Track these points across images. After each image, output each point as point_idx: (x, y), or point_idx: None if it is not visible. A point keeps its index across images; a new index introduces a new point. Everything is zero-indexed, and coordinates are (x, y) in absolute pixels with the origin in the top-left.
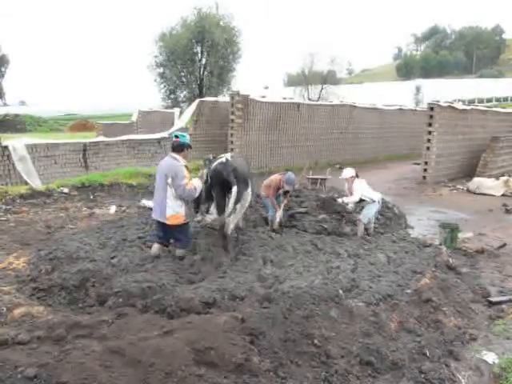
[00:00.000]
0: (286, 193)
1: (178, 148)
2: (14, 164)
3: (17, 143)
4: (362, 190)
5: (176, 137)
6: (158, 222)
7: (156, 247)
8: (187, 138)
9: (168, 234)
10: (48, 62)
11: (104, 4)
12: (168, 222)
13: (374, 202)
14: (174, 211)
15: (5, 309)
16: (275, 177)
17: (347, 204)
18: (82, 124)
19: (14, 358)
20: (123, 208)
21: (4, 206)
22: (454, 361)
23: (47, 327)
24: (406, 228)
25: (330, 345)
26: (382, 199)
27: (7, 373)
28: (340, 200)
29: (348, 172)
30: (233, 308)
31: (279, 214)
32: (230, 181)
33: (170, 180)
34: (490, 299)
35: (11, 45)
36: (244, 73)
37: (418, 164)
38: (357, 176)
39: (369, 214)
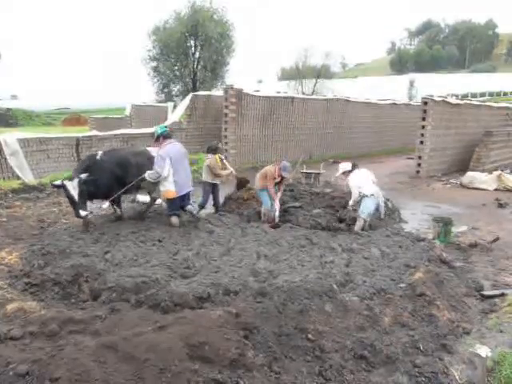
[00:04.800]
0: (279, 183)
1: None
2: (6, 158)
3: (9, 137)
4: (359, 186)
5: (166, 127)
6: (179, 198)
7: (178, 219)
8: None
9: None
10: (40, 55)
11: None
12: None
13: (368, 195)
14: None
15: None
16: (269, 168)
17: (353, 205)
18: (76, 118)
19: (5, 353)
20: None
21: None
22: (447, 354)
23: (40, 323)
24: (399, 222)
25: (325, 339)
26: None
27: None
28: (349, 206)
29: (341, 167)
30: (227, 303)
31: (278, 205)
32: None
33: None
34: (484, 293)
35: (2, 38)
36: (238, 67)
37: (412, 158)
38: (354, 167)
39: (367, 208)
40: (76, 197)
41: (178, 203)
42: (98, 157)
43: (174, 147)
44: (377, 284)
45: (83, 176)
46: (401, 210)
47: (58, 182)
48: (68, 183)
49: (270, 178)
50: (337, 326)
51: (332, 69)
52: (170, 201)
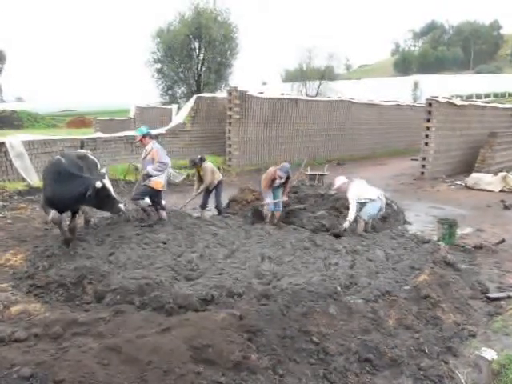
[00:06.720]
0: (284, 184)
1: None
2: (11, 160)
3: (14, 140)
4: (358, 195)
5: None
6: (157, 192)
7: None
8: None
9: None
10: (45, 57)
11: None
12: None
13: (372, 200)
14: None
15: (1, 306)
16: (270, 169)
17: (351, 223)
18: (80, 120)
19: (10, 355)
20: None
21: (1, 203)
22: (452, 357)
23: (44, 324)
24: (404, 224)
25: (329, 342)
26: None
27: (2, 372)
28: (345, 225)
29: (337, 181)
30: (231, 305)
31: (285, 199)
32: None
33: None
34: (489, 295)
35: (8, 41)
36: (242, 68)
37: (416, 160)
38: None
39: (370, 210)
40: (112, 192)
41: (152, 195)
42: (63, 161)
43: (162, 148)
44: (381, 286)
45: (104, 170)
46: (405, 211)
47: (99, 185)
48: (106, 181)
49: (268, 179)
50: (341, 329)
51: (336, 70)
52: (149, 189)
